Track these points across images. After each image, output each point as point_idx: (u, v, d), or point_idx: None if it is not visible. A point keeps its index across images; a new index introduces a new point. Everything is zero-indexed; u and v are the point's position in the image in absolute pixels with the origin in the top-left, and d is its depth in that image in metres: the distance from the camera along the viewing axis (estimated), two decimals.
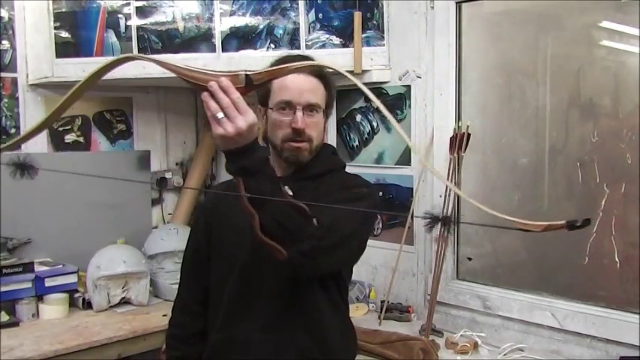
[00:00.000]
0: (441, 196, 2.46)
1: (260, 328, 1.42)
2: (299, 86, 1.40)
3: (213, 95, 1.10)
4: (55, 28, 2.73)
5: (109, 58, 1.10)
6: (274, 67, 1.13)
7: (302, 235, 1.22)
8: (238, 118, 1.10)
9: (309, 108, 1.41)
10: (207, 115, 1.11)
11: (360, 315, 2.65)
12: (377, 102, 0.99)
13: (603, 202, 2.15)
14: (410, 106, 2.64)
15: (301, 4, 2.69)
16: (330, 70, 1.24)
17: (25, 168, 1.11)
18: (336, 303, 1.49)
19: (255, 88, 1.14)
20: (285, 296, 1.41)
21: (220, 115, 1.10)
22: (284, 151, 1.43)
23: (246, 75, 1.11)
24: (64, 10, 2.72)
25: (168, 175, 3.40)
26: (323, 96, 1.44)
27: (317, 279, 1.42)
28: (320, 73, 1.44)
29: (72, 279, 2.62)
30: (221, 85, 1.09)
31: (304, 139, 1.41)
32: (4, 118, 2.77)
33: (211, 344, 1.51)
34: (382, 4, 2.70)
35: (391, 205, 2.73)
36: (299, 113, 1.39)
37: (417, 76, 2.62)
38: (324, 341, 1.44)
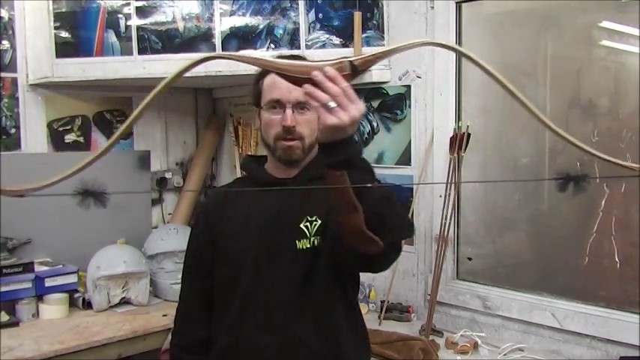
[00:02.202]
0: (440, 196, 2.46)
1: (268, 330, 1.38)
2: (288, 84, 1.39)
3: (317, 85, 1.05)
4: (55, 28, 2.73)
5: (195, 56, 1.03)
6: (381, 50, 1.09)
7: (400, 225, 1.20)
8: (351, 106, 1.06)
9: (300, 105, 1.38)
10: (313, 106, 1.07)
11: None
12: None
13: (603, 202, 2.15)
14: (410, 106, 2.64)
15: (301, 4, 2.69)
16: None
17: (96, 196, 0.94)
18: (352, 303, 1.45)
19: (360, 74, 1.10)
20: (296, 297, 1.37)
21: (333, 104, 1.05)
22: (277, 150, 1.40)
23: (350, 62, 1.07)
24: (64, 10, 2.72)
25: (168, 175, 3.40)
26: None
27: (337, 277, 1.38)
28: None
29: (72, 279, 2.63)
30: (327, 74, 1.05)
31: (295, 137, 1.38)
32: (4, 118, 2.77)
33: (219, 348, 1.46)
34: (382, 4, 2.70)
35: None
36: (288, 111, 1.37)
37: (417, 76, 2.61)
38: (336, 344, 1.39)
